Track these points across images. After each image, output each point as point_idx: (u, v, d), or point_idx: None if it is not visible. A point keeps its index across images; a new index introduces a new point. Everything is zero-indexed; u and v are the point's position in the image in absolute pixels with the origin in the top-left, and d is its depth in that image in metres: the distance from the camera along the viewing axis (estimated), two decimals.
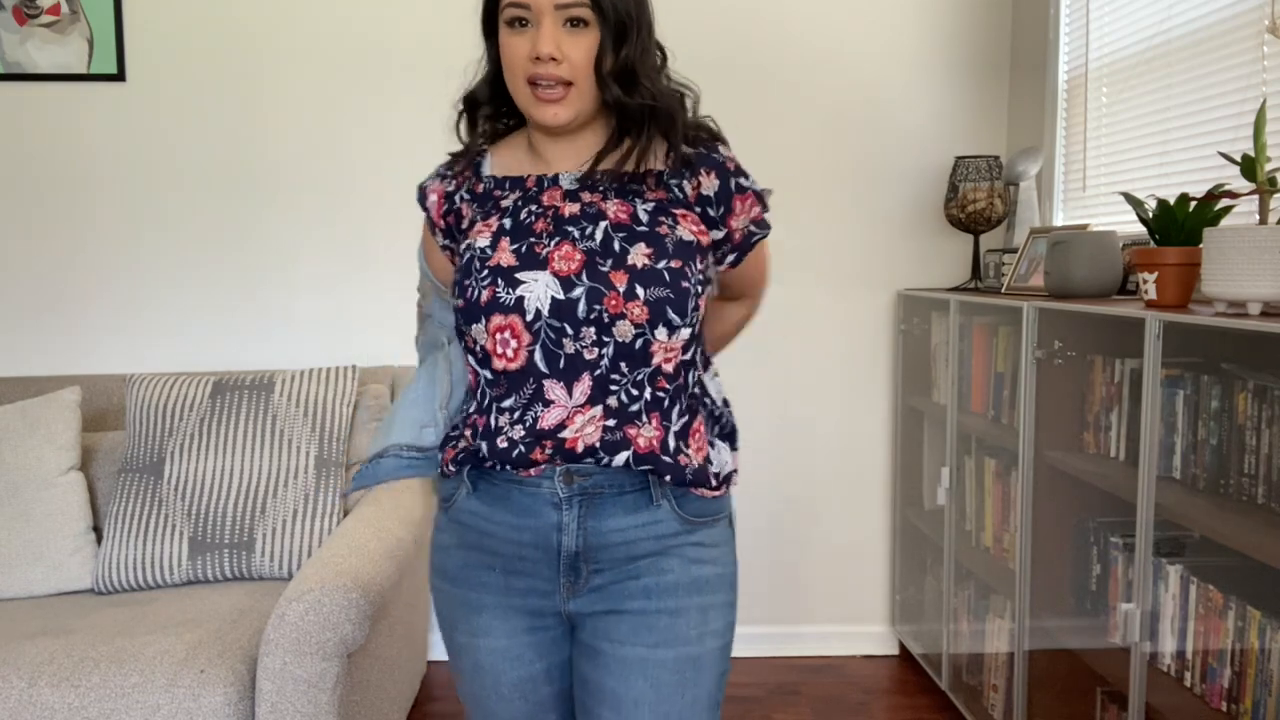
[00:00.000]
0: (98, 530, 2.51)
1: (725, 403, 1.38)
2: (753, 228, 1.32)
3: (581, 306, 1.21)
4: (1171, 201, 1.79)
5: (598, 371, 1.22)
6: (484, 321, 1.23)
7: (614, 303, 1.21)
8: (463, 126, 1.36)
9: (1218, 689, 1.61)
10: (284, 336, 2.98)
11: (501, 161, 1.34)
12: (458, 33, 2.94)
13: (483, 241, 1.27)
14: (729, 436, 1.37)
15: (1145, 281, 1.79)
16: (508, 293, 1.22)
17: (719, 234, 1.30)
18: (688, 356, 1.27)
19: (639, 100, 1.25)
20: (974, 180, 2.75)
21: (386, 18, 2.90)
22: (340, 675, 1.89)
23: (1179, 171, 2.18)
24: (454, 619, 1.35)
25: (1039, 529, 2.15)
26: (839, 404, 3.07)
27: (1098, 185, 2.56)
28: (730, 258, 1.33)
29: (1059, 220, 2.75)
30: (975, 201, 2.75)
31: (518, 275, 1.23)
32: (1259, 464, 1.54)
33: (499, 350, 1.24)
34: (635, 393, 1.23)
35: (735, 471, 1.36)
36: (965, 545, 2.56)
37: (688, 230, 1.26)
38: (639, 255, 1.22)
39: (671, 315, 1.21)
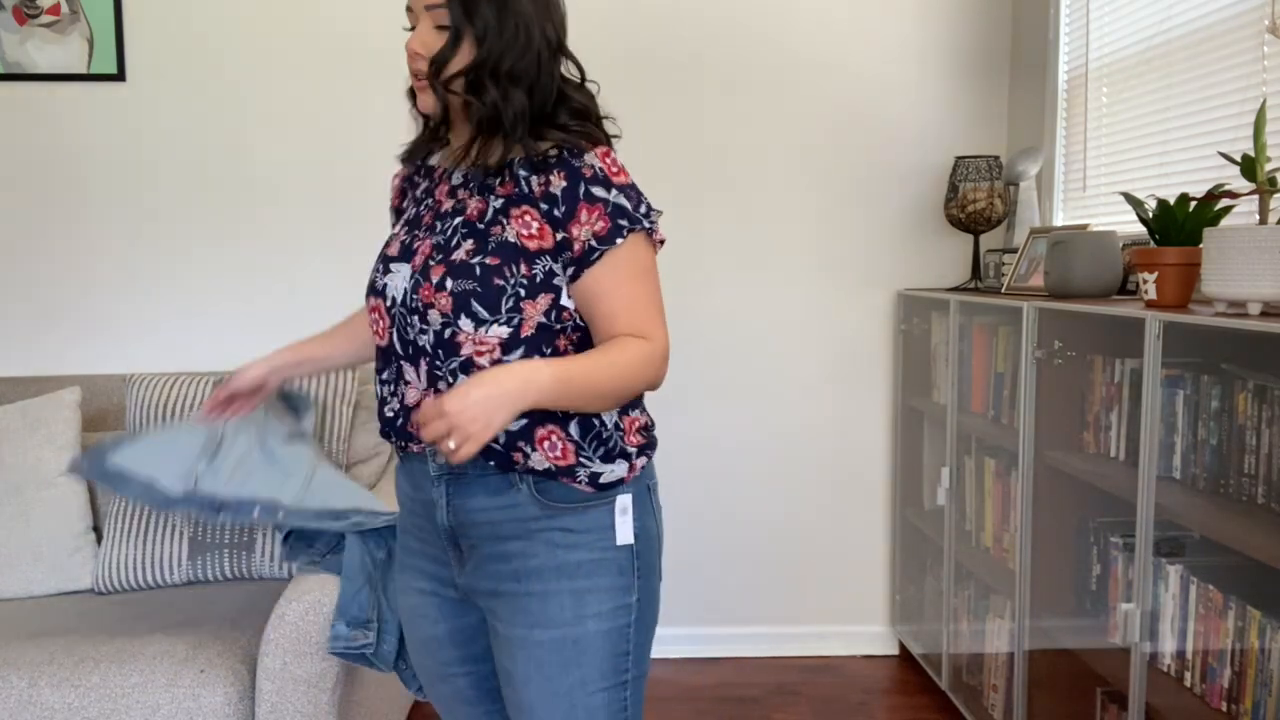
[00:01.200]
0: (98, 530, 2.51)
1: (618, 426, 1.35)
2: (593, 242, 1.27)
3: (410, 296, 1.31)
4: (1171, 201, 1.79)
5: (426, 358, 1.32)
6: (371, 300, 1.38)
7: (426, 293, 1.29)
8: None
9: (1218, 689, 1.61)
10: (284, 336, 2.98)
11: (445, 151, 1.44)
12: None
13: (395, 229, 1.42)
14: (622, 455, 1.34)
15: (1145, 281, 1.79)
16: (380, 279, 1.36)
17: (561, 236, 1.28)
18: (511, 358, 1.27)
19: (485, 100, 1.30)
20: (974, 180, 2.75)
21: (386, 18, 2.90)
22: (340, 675, 1.89)
23: (1179, 171, 2.18)
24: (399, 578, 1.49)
25: (1039, 529, 2.15)
26: (839, 404, 3.07)
27: (1098, 185, 2.56)
28: (569, 270, 1.29)
29: (1059, 220, 2.76)
30: (975, 201, 2.75)
31: (391, 265, 1.35)
32: (1259, 464, 1.54)
33: (374, 328, 1.38)
34: (453, 381, 1.30)
35: (622, 481, 1.34)
36: (965, 545, 2.56)
37: (516, 232, 1.28)
38: (462, 251, 1.30)
39: (477, 308, 1.27)
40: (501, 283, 1.27)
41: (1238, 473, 1.58)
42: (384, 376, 1.39)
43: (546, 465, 1.31)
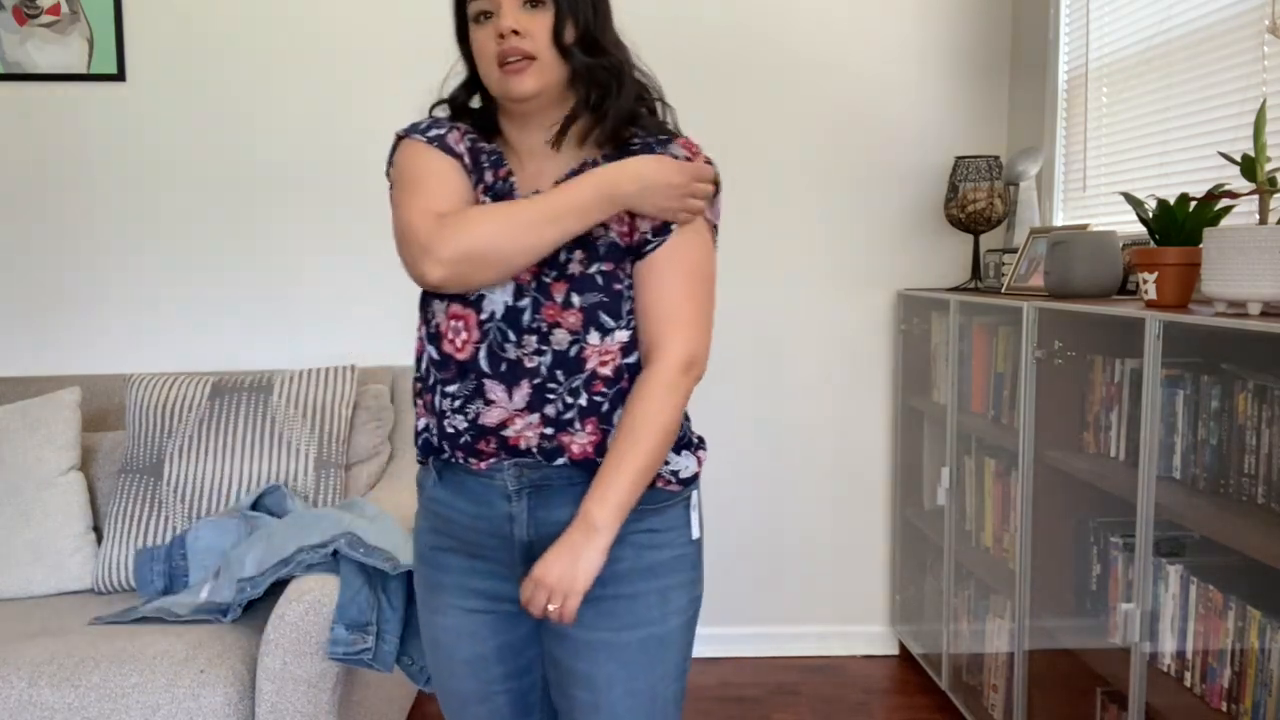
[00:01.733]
0: (98, 530, 2.51)
1: (686, 415, 1.36)
2: (649, 234, 1.28)
3: (527, 315, 1.26)
4: (1171, 201, 1.79)
5: (536, 380, 1.27)
6: (445, 303, 1.30)
7: (551, 312, 1.26)
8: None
9: (1218, 689, 1.61)
10: (283, 336, 2.98)
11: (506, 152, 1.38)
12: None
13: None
14: (687, 445, 1.36)
15: (1145, 281, 1.79)
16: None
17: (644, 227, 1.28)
18: (630, 360, 1.29)
19: (604, 64, 1.28)
20: (974, 180, 2.75)
21: (385, 17, 2.90)
22: (340, 675, 1.89)
23: (1179, 171, 2.18)
24: (423, 597, 1.42)
25: (1039, 529, 2.15)
26: (839, 404, 3.07)
27: (1098, 185, 2.56)
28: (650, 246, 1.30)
29: (1059, 220, 2.75)
30: (975, 201, 2.75)
31: None
32: (1259, 464, 1.54)
33: (450, 336, 1.30)
34: (570, 400, 1.27)
35: (697, 474, 1.37)
36: (965, 545, 2.56)
37: (616, 230, 1.28)
38: (575, 263, 1.27)
39: (604, 318, 1.27)
40: (620, 287, 1.28)
41: (1238, 473, 1.58)
42: (452, 390, 1.30)
43: None
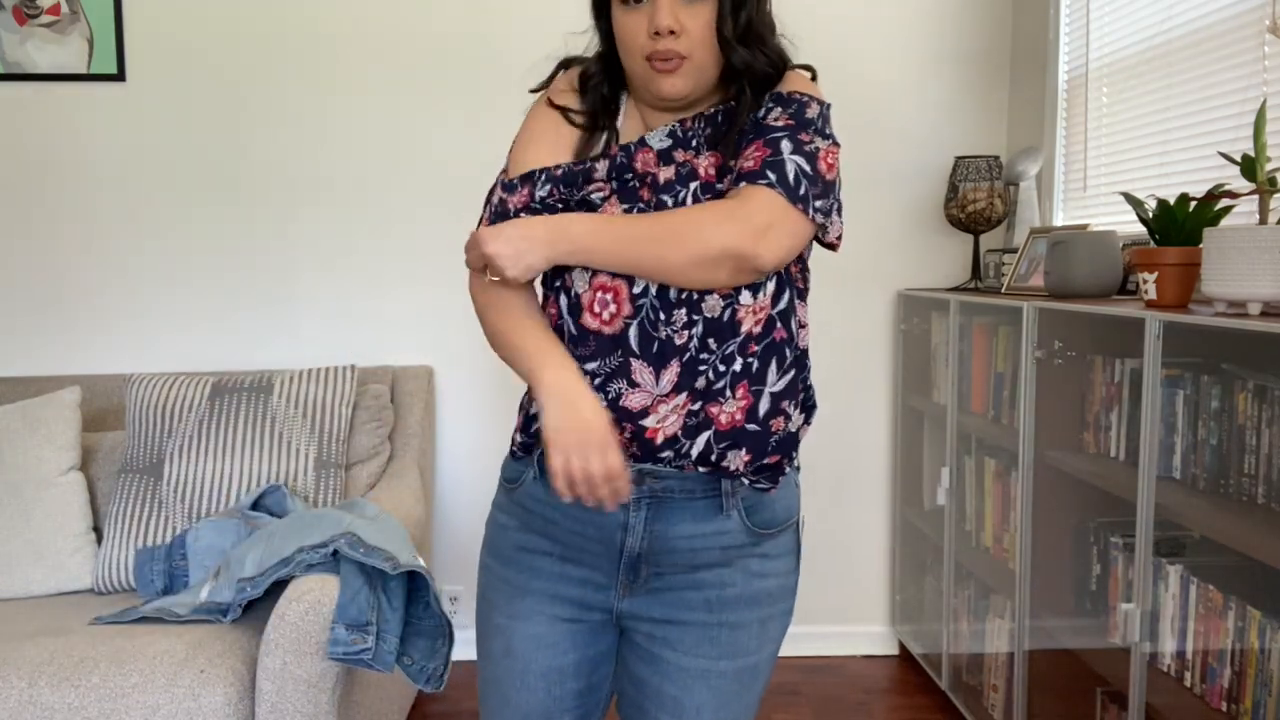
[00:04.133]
0: (98, 530, 2.51)
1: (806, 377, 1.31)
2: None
3: (672, 290, 1.17)
4: (1171, 201, 1.79)
5: (686, 355, 1.18)
6: (589, 273, 1.19)
7: None
8: (576, 116, 1.29)
9: (1218, 689, 1.61)
10: (283, 336, 2.98)
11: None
12: (457, 32, 2.95)
13: (596, 196, 1.22)
14: (808, 409, 1.31)
15: (1145, 281, 1.79)
16: None
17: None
18: (780, 307, 1.22)
19: (763, 61, 1.22)
20: (974, 180, 2.75)
21: (385, 17, 2.90)
22: (340, 675, 1.89)
23: (1179, 171, 2.18)
24: (495, 599, 1.31)
25: (1039, 529, 2.15)
26: (839, 404, 3.07)
27: (1098, 185, 2.56)
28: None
29: (1059, 220, 2.75)
30: (975, 201, 2.75)
31: None
32: (1259, 464, 1.54)
33: (595, 309, 1.19)
34: (723, 368, 1.19)
35: (795, 453, 1.31)
36: (965, 545, 2.56)
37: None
38: None
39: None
40: None
41: (1238, 473, 1.58)
42: (592, 367, 1.19)
43: (793, 428, 1.25)
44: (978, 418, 2.48)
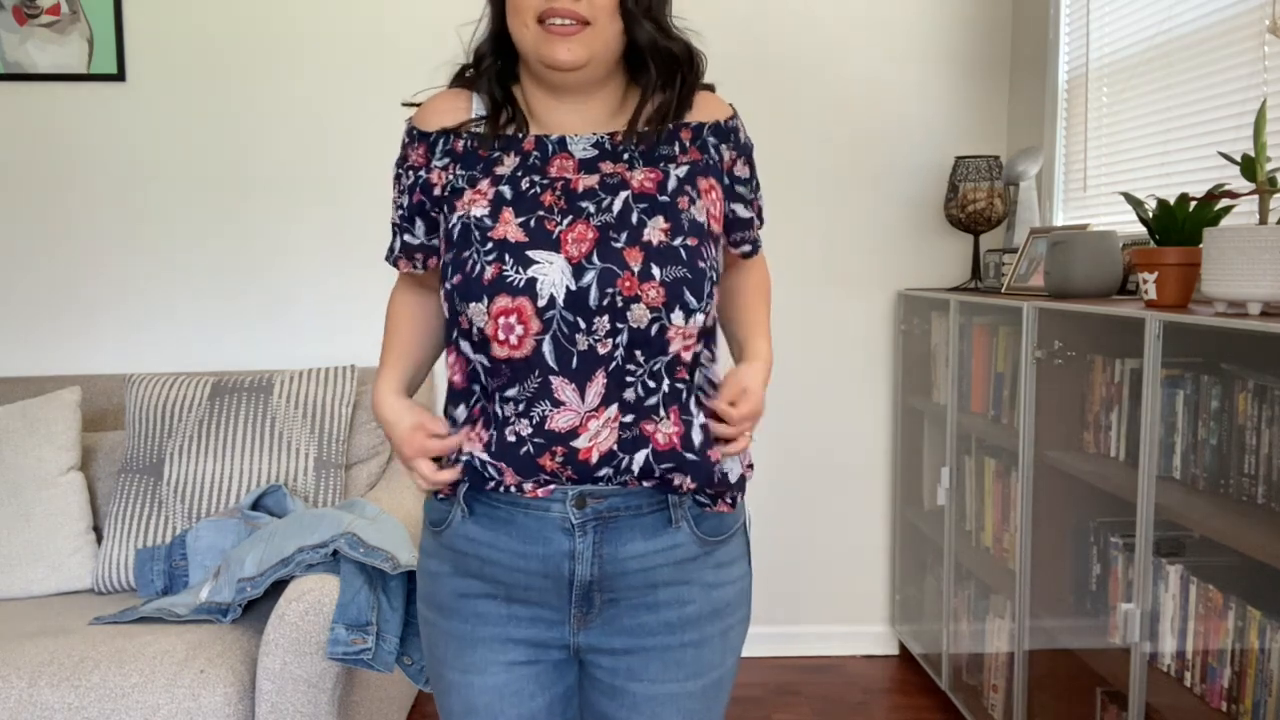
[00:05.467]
0: (98, 530, 2.51)
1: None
2: (757, 220, 1.29)
3: (593, 294, 1.09)
4: (1171, 201, 1.79)
5: (612, 365, 1.11)
6: (486, 301, 1.10)
7: (628, 284, 1.09)
8: (479, 99, 1.22)
9: (1218, 689, 1.61)
10: (283, 335, 2.98)
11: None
12: (456, 30, 2.95)
13: (479, 210, 1.13)
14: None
15: (1145, 281, 1.79)
16: (517, 272, 1.10)
17: (746, 214, 1.25)
18: (700, 347, 1.17)
19: (670, 43, 1.16)
20: (974, 180, 2.75)
21: (385, 17, 2.90)
22: (340, 675, 1.89)
23: (1179, 171, 2.18)
24: (444, 655, 1.23)
25: (1039, 529, 2.15)
26: (839, 404, 3.07)
27: (1098, 185, 2.56)
28: (746, 248, 1.29)
29: (1059, 220, 2.75)
30: (975, 201, 2.75)
31: (529, 253, 1.10)
32: (1259, 464, 1.54)
33: (501, 336, 1.11)
34: (652, 384, 1.12)
35: (744, 477, 1.25)
36: (965, 545, 2.56)
37: (704, 210, 1.16)
38: (657, 231, 1.11)
39: (689, 297, 1.11)
40: (703, 265, 1.13)
41: (1238, 473, 1.58)
42: (511, 394, 1.13)
43: (726, 468, 1.19)
44: (978, 418, 2.48)
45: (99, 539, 2.49)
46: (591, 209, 1.12)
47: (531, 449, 1.13)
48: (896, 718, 2.72)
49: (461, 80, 1.24)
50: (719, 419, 1.18)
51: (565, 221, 1.12)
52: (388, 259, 1.28)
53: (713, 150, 1.19)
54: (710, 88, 1.26)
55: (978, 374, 2.48)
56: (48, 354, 2.96)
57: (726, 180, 1.21)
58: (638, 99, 1.19)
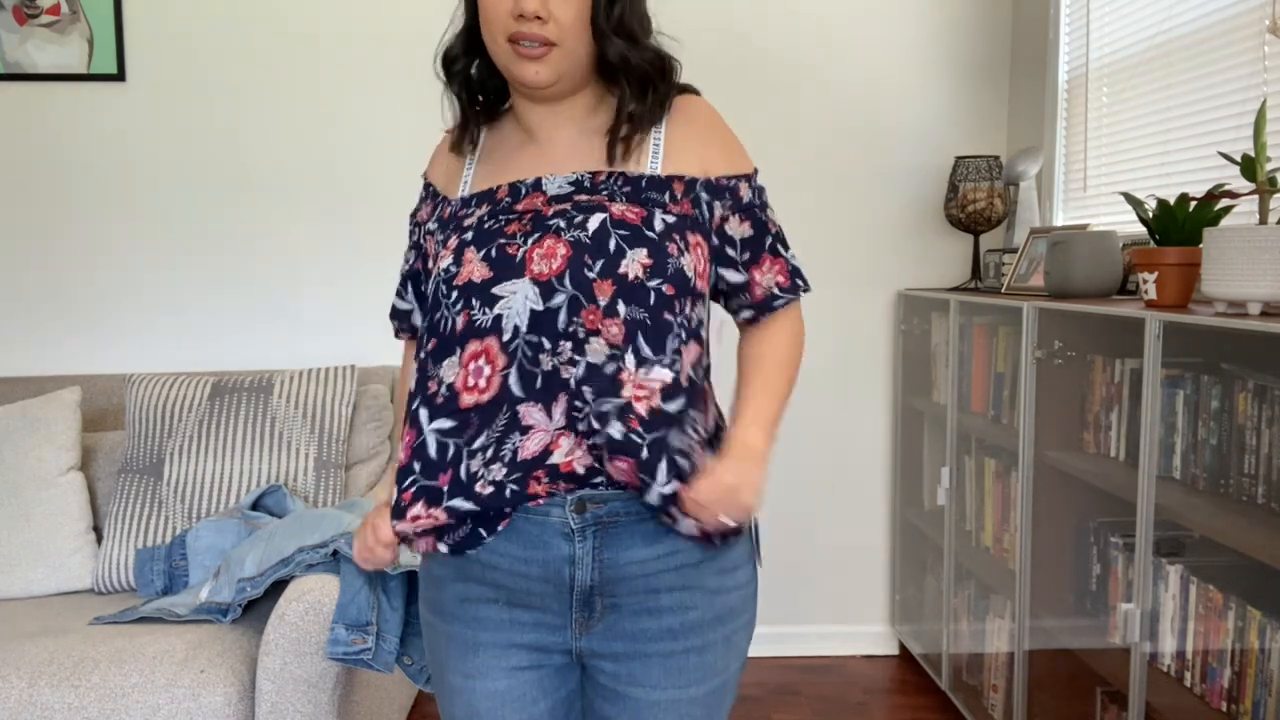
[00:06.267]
0: (98, 530, 2.51)
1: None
2: (776, 289, 1.22)
3: (562, 317, 1.08)
4: (1171, 201, 1.79)
5: (569, 394, 1.09)
6: (458, 353, 1.11)
7: (591, 318, 1.08)
8: (448, 102, 1.25)
9: (1218, 689, 1.61)
10: (283, 335, 2.98)
11: (486, 160, 1.24)
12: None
13: (445, 262, 1.13)
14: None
15: (1145, 281, 1.79)
16: (484, 313, 1.09)
17: (738, 278, 1.21)
18: (671, 407, 1.10)
19: (641, 56, 1.15)
20: (974, 180, 2.75)
21: (386, 17, 2.90)
22: (340, 675, 1.89)
23: (1179, 171, 2.18)
24: (446, 659, 1.22)
25: (1039, 529, 2.15)
26: (839, 404, 3.07)
27: (1098, 185, 2.56)
28: (746, 314, 1.24)
29: (1059, 220, 2.75)
30: (975, 201, 2.75)
31: (494, 290, 1.09)
32: (1259, 464, 1.54)
33: (470, 383, 1.10)
34: (599, 428, 1.08)
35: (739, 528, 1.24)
36: (965, 545, 2.56)
37: (691, 266, 1.13)
38: (635, 264, 1.09)
39: (641, 343, 1.08)
40: (670, 318, 1.10)
41: (1238, 473, 1.58)
42: (479, 443, 1.10)
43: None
44: (978, 418, 2.48)
45: (99, 539, 2.49)
46: (561, 224, 1.10)
47: (515, 487, 1.11)
48: (896, 718, 2.72)
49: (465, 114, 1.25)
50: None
51: (529, 241, 1.10)
52: (391, 322, 1.34)
53: (704, 207, 1.17)
54: (693, 90, 1.26)
55: (978, 374, 2.48)
56: (48, 354, 2.96)
57: (716, 241, 1.19)
58: (616, 97, 1.20)
